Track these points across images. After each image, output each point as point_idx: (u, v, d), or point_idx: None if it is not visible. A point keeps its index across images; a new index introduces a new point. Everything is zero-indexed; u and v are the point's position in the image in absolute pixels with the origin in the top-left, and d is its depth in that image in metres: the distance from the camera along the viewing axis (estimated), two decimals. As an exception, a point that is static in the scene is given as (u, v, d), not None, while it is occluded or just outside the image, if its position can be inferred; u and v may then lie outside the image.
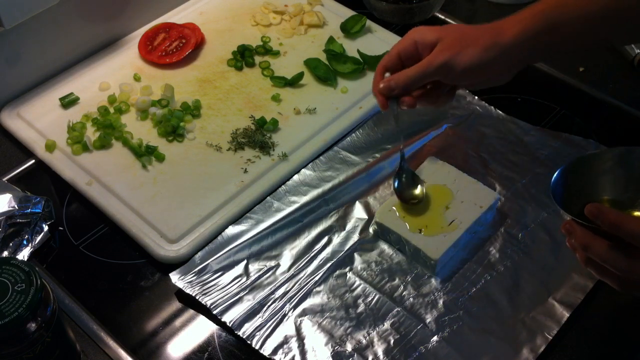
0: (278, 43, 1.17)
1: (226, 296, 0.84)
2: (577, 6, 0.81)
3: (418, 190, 0.90)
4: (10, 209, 0.89)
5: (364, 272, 0.87)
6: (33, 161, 1.02)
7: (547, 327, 0.81)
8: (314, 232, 0.91)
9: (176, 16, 1.21)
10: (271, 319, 0.82)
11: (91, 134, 1.02)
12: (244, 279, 0.86)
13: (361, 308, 0.84)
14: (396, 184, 0.90)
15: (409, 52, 0.88)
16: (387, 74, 0.90)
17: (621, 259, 0.68)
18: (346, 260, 0.89)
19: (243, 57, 1.13)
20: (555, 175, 0.78)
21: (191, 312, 0.85)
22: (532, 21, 0.81)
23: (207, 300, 0.84)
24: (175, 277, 0.85)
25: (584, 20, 0.81)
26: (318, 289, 0.86)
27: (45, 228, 0.91)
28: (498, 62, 0.83)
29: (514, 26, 0.82)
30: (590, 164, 0.81)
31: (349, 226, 0.92)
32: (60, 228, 0.94)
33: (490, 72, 0.85)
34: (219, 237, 0.89)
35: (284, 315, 0.83)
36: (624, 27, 0.83)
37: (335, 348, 0.80)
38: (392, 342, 0.81)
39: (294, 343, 0.81)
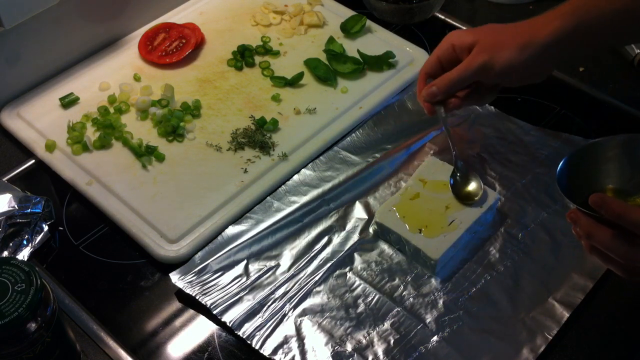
0: (278, 43, 1.17)
1: (226, 296, 0.84)
2: (602, 5, 0.82)
3: (472, 187, 0.91)
4: (10, 209, 0.89)
5: (364, 272, 0.87)
6: (33, 161, 1.02)
7: (547, 327, 0.81)
8: (314, 232, 0.91)
9: (176, 16, 1.21)
10: (271, 319, 0.82)
11: (91, 134, 1.02)
12: (244, 279, 0.86)
13: (361, 308, 0.84)
14: (451, 182, 0.92)
15: (448, 56, 0.90)
16: (429, 80, 0.92)
17: (624, 247, 0.69)
18: (346, 260, 0.89)
19: (243, 57, 1.13)
20: (560, 164, 0.79)
21: (191, 312, 0.85)
22: (568, 17, 0.82)
23: (207, 300, 0.84)
24: (175, 277, 0.85)
25: (619, 14, 0.82)
26: (318, 289, 0.86)
27: (45, 228, 0.91)
28: (534, 61, 0.84)
29: (549, 24, 0.83)
30: (595, 152, 0.81)
31: (349, 226, 0.92)
32: (60, 228, 0.94)
33: (528, 70, 0.86)
34: (219, 237, 0.89)
35: (284, 315, 0.83)
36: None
37: (335, 348, 0.80)
38: (392, 342, 0.81)
39: (294, 343, 0.81)
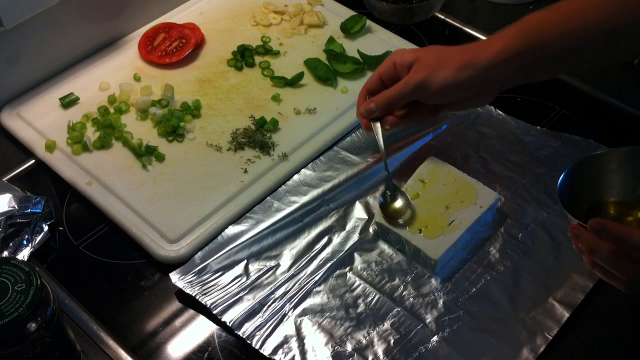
0: (278, 43, 1.17)
1: (226, 296, 0.84)
2: (560, 25, 0.79)
3: (399, 205, 0.90)
4: (10, 209, 0.89)
5: (364, 272, 0.87)
6: (33, 161, 1.02)
7: (547, 327, 0.81)
8: (314, 232, 0.91)
9: (176, 16, 1.21)
10: (271, 319, 0.82)
11: (91, 134, 1.02)
12: (244, 279, 0.86)
13: (361, 308, 0.84)
14: (380, 200, 0.91)
15: (389, 73, 0.90)
16: (370, 97, 0.93)
17: (626, 264, 0.69)
18: (346, 260, 0.89)
19: (243, 57, 1.13)
20: (561, 177, 0.79)
21: (191, 312, 0.85)
22: (512, 40, 0.81)
23: (207, 300, 0.84)
24: (175, 277, 0.85)
25: (568, 39, 0.79)
26: (318, 289, 0.86)
27: (45, 228, 0.91)
28: (474, 82, 0.83)
29: (492, 45, 0.82)
30: (596, 165, 0.81)
31: (349, 226, 0.92)
32: (60, 228, 0.94)
33: (467, 91, 0.86)
34: (219, 237, 0.89)
35: (284, 315, 0.83)
36: (621, 44, 0.81)
37: (335, 348, 0.80)
38: (392, 342, 0.81)
39: (294, 343, 0.81)
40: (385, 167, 0.92)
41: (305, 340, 0.81)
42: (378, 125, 0.91)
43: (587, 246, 0.72)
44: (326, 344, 0.81)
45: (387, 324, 0.82)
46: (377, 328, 0.82)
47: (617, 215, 0.80)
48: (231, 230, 0.90)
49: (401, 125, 0.92)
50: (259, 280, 0.86)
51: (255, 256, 0.89)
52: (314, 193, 0.95)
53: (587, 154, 0.87)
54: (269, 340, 0.81)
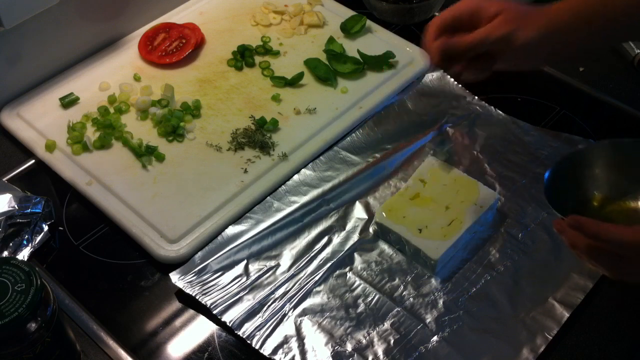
0: (278, 43, 1.17)
1: (226, 296, 0.84)
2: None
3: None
4: (10, 209, 0.89)
5: (364, 272, 0.87)
6: (33, 161, 1.02)
7: (547, 327, 0.81)
8: (314, 232, 0.91)
9: (176, 16, 1.21)
10: (271, 319, 0.82)
11: (91, 134, 1.02)
12: (244, 279, 0.86)
13: (361, 308, 0.84)
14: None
15: (466, 17, 0.87)
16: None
17: (605, 258, 0.71)
18: (346, 260, 0.89)
19: (243, 57, 1.13)
20: (546, 173, 0.79)
21: (191, 312, 0.85)
22: (582, 6, 0.82)
23: (207, 300, 0.84)
24: (175, 277, 0.85)
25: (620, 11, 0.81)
26: (318, 288, 0.86)
27: (45, 228, 0.91)
28: (551, 43, 0.84)
29: (567, 10, 0.83)
30: (580, 159, 0.81)
31: (349, 226, 0.92)
32: (60, 228, 0.94)
33: (541, 52, 0.85)
34: (219, 237, 0.89)
35: (284, 315, 0.83)
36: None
37: (335, 348, 0.80)
38: (392, 342, 0.81)
39: (294, 343, 0.81)
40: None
41: (305, 340, 0.81)
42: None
43: (568, 241, 0.74)
44: (326, 344, 0.81)
45: (387, 324, 0.82)
46: (377, 328, 0.82)
47: (602, 209, 0.81)
48: (231, 230, 0.90)
49: (463, 76, 0.90)
50: (259, 280, 0.86)
51: (255, 256, 0.89)
52: (314, 193, 0.95)
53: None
54: (269, 340, 0.81)
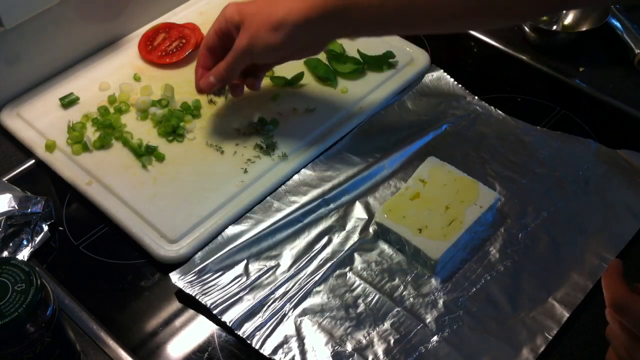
0: (278, 43, 1.17)
1: (226, 296, 0.84)
2: None
3: None
4: (10, 209, 0.89)
5: (364, 272, 0.87)
6: (33, 161, 1.02)
7: (547, 327, 0.81)
8: (314, 232, 0.91)
9: (176, 16, 1.21)
10: (271, 319, 0.82)
11: (91, 134, 1.02)
12: (244, 279, 0.86)
13: (361, 308, 0.84)
14: None
15: (225, 30, 0.90)
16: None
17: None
18: (346, 260, 0.89)
19: (243, 57, 1.13)
20: None
21: (191, 312, 0.85)
22: (320, 4, 0.81)
23: (207, 300, 0.84)
24: (175, 277, 0.85)
25: (376, 8, 0.81)
26: (318, 288, 0.86)
27: (45, 228, 0.91)
28: (293, 40, 0.84)
29: (301, 7, 0.82)
30: None
31: (349, 226, 0.92)
32: (60, 228, 0.94)
33: (288, 50, 0.87)
34: (219, 237, 0.89)
35: (284, 315, 0.83)
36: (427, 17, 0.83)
37: (335, 348, 0.80)
38: (392, 342, 0.81)
39: (294, 343, 0.81)
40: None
41: (305, 340, 0.81)
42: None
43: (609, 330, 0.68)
44: (326, 344, 0.81)
45: (387, 324, 0.82)
46: (377, 328, 0.82)
47: None
48: (231, 230, 0.90)
49: (244, 85, 0.95)
50: (259, 280, 0.86)
51: (255, 256, 0.89)
52: (314, 193, 0.95)
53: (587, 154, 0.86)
54: (269, 340, 0.81)
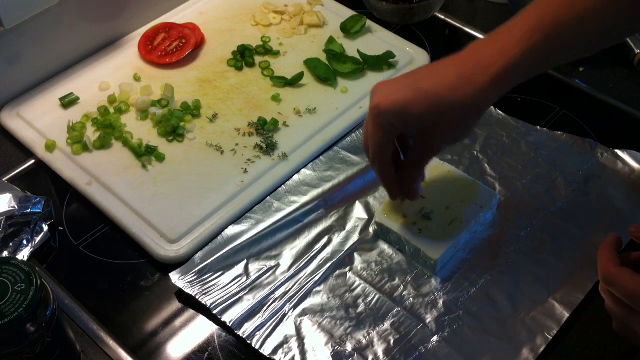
0: (278, 43, 1.17)
1: (226, 296, 0.84)
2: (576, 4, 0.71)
3: None
4: (10, 209, 0.89)
5: (364, 272, 0.87)
6: (33, 161, 1.02)
7: (547, 327, 0.81)
8: (314, 232, 0.91)
9: (176, 16, 1.21)
10: (271, 319, 0.82)
11: (91, 134, 1.02)
12: (244, 279, 0.86)
13: (361, 308, 0.84)
14: None
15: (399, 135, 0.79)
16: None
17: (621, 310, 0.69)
18: (346, 260, 0.89)
19: (243, 57, 1.13)
20: None
21: (191, 312, 0.85)
22: (529, 39, 0.71)
23: (207, 300, 0.84)
24: (175, 277, 0.86)
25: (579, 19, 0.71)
26: (318, 288, 0.86)
27: (45, 228, 0.91)
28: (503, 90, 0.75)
29: (491, 66, 0.72)
30: None
31: (349, 226, 0.92)
32: (60, 228, 0.94)
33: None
34: (219, 237, 0.89)
35: (284, 315, 0.83)
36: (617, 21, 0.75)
37: (335, 348, 0.80)
38: (392, 342, 0.81)
39: (294, 343, 0.81)
40: None
41: (305, 340, 0.81)
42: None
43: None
44: (326, 344, 0.81)
45: (387, 324, 0.82)
46: (377, 328, 0.82)
47: None
48: (231, 230, 0.90)
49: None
50: (259, 280, 0.86)
51: (255, 256, 0.89)
52: (314, 193, 0.95)
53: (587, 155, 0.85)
54: (269, 340, 0.81)
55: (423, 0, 1.18)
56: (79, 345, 0.81)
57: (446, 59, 0.76)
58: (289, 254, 0.89)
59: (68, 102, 1.06)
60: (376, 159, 0.79)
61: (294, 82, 1.09)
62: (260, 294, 0.85)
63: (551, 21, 0.71)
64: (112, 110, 1.05)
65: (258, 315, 0.83)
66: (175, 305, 0.86)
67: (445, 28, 1.23)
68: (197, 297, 0.84)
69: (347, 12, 1.21)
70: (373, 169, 0.82)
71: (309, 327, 0.82)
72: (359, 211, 0.94)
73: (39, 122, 1.04)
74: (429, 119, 0.74)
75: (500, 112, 1.05)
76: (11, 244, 0.88)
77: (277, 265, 0.88)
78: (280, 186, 0.96)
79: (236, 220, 0.92)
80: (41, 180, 1.00)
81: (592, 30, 0.73)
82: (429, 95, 0.73)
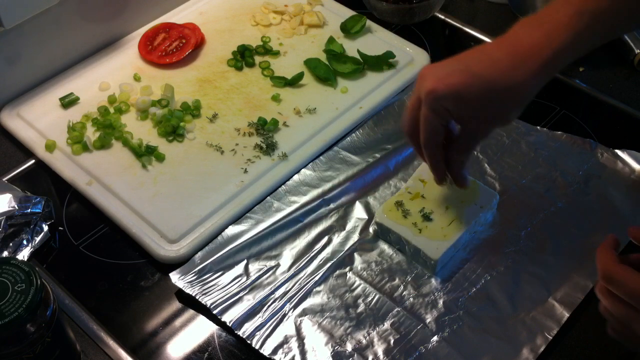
0: (278, 43, 1.17)
1: (226, 296, 0.84)
2: None
3: None
4: (10, 209, 0.89)
5: (364, 272, 0.87)
6: (33, 161, 1.02)
7: (547, 327, 0.81)
8: (314, 232, 0.91)
9: (176, 16, 1.21)
10: (271, 319, 0.82)
11: (91, 134, 1.02)
12: (244, 278, 0.86)
13: (361, 308, 0.84)
14: None
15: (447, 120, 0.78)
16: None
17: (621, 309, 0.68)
18: (346, 260, 0.89)
19: (243, 57, 1.13)
20: None
21: (191, 312, 0.85)
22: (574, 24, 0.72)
23: (207, 300, 0.84)
24: (175, 277, 0.86)
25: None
26: (318, 288, 0.86)
27: (45, 228, 0.91)
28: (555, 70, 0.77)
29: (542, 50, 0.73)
30: None
31: (349, 226, 0.92)
32: (60, 228, 0.94)
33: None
34: (219, 237, 0.89)
35: (284, 315, 0.83)
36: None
37: (335, 348, 0.80)
38: (392, 342, 0.81)
39: (294, 343, 0.81)
40: None
41: (305, 340, 0.81)
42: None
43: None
44: (326, 344, 0.81)
45: (387, 324, 0.82)
46: (377, 328, 0.82)
47: None
48: (231, 230, 0.90)
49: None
50: (259, 280, 0.86)
51: (255, 256, 0.89)
52: (314, 193, 0.95)
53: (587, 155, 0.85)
54: (269, 340, 0.81)
55: (423, 0, 1.18)
56: (79, 345, 0.81)
57: (493, 42, 0.77)
58: (289, 254, 0.89)
59: (68, 102, 1.06)
60: (428, 144, 0.79)
61: (294, 82, 1.09)
62: (260, 294, 0.85)
63: (593, 1, 0.73)
64: (112, 110, 1.05)
65: (258, 315, 0.83)
66: (175, 305, 0.86)
67: (445, 28, 1.23)
68: (197, 297, 0.84)
69: (347, 12, 1.21)
70: (414, 150, 0.82)
71: (309, 327, 0.82)
72: (359, 211, 0.94)
73: (39, 122, 1.04)
74: (484, 104, 0.75)
75: (500, 112, 1.05)
76: (11, 244, 0.88)
77: (277, 265, 0.88)
78: (280, 186, 0.96)
79: (236, 220, 0.92)
80: (41, 180, 1.00)
81: (633, 5, 0.75)
82: (484, 80, 0.74)
